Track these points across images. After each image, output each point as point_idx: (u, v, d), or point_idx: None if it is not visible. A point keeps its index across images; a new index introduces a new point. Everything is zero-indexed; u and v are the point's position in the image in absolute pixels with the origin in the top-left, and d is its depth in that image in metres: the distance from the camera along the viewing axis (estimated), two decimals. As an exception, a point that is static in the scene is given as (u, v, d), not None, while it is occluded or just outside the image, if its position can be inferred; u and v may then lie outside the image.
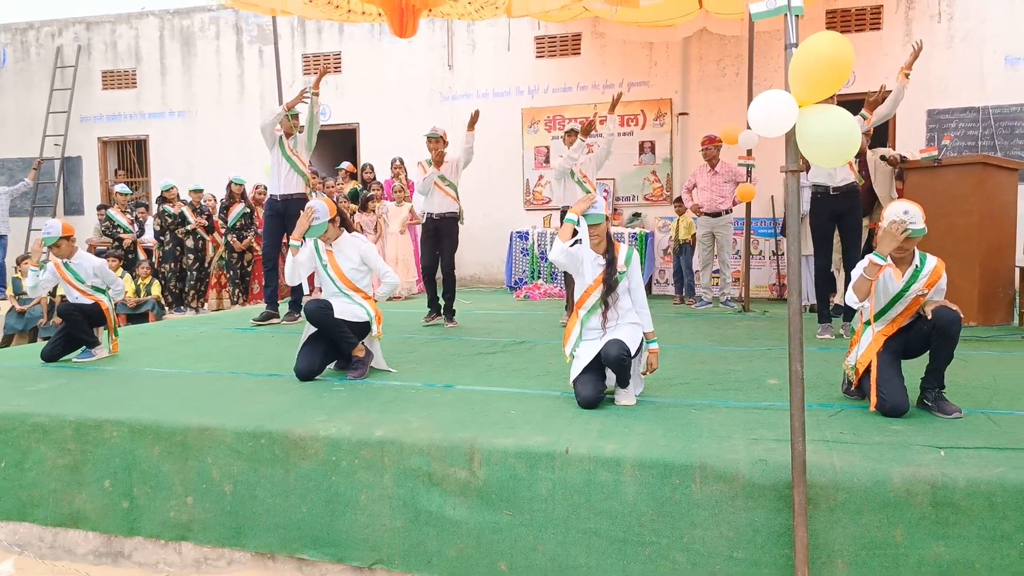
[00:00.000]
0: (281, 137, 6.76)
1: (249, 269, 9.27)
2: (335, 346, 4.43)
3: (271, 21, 11.00)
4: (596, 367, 3.79)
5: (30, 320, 8.80)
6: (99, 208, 10.48)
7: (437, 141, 6.64)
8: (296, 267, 4.55)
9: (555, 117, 10.38)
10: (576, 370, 3.80)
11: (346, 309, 4.38)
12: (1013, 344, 5.44)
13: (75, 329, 4.97)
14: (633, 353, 3.74)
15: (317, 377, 4.38)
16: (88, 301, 5.09)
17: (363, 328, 4.46)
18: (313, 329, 4.38)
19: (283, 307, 7.22)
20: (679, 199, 8.82)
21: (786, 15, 2.76)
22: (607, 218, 3.89)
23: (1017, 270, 6.40)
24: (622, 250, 3.90)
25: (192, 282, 9.22)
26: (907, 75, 5.56)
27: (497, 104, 10.63)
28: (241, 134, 11.56)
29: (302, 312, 7.07)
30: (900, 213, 3.40)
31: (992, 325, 6.17)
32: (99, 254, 10.13)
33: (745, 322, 6.92)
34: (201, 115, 11.87)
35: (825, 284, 6.11)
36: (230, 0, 6.32)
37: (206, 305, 9.41)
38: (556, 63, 10.48)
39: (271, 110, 6.73)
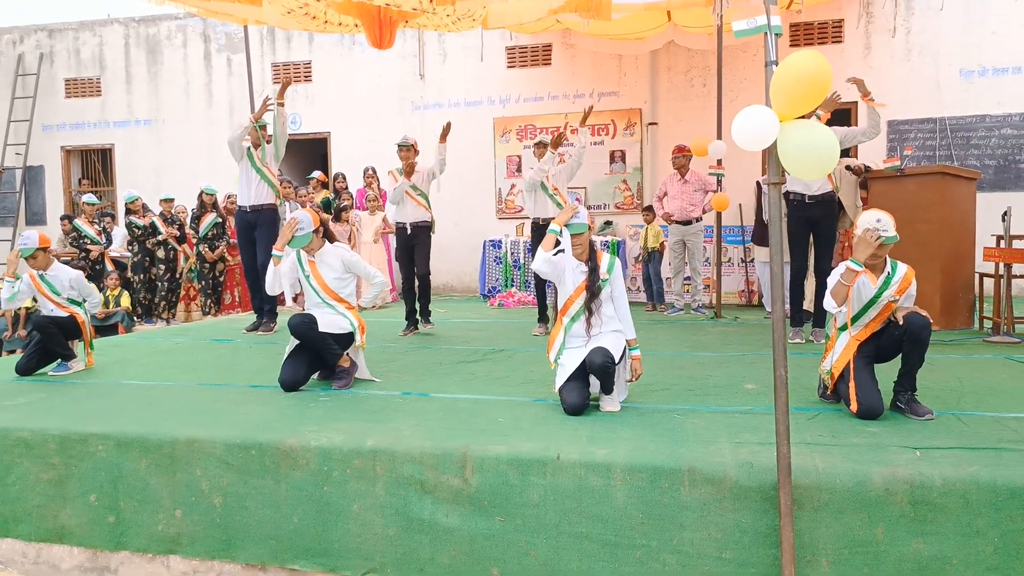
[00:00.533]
0: (249, 148, 6.73)
1: (221, 279, 9.18)
2: (319, 356, 4.44)
3: (240, 30, 10.98)
4: (581, 375, 3.86)
5: (-7, 333, 8.62)
6: (63, 218, 10.29)
7: (408, 150, 6.68)
8: (277, 277, 4.56)
9: (527, 126, 10.48)
10: (561, 378, 3.87)
11: (330, 321, 4.40)
12: (975, 347, 5.64)
13: (51, 342, 4.90)
14: (617, 360, 3.82)
15: (302, 388, 4.38)
16: (63, 314, 5.03)
17: (347, 339, 4.48)
18: (297, 341, 4.38)
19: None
20: (648, 207, 8.97)
21: (766, 33, 2.88)
22: (589, 227, 3.97)
23: (976, 275, 6.62)
24: (604, 258, 3.99)
25: (163, 293, 9.11)
26: (871, 99, 5.65)
27: (469, 113, 10.71)
28: (210, 143, 11.47)
29: (275, 321, 7.06)
30: (873, 221, 3.54)
31: (954, 329, 6.38)
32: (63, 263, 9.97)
33: (718, 328, 7.06)
34: (168, 124, 11.75)
35: (799, 290, 6.28)
36: (205, 10, 6.27)
37: (176, 316, 9.30)
38: (527, 73, 10.59)
39: (238, 123, 6.71)
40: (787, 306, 7.89)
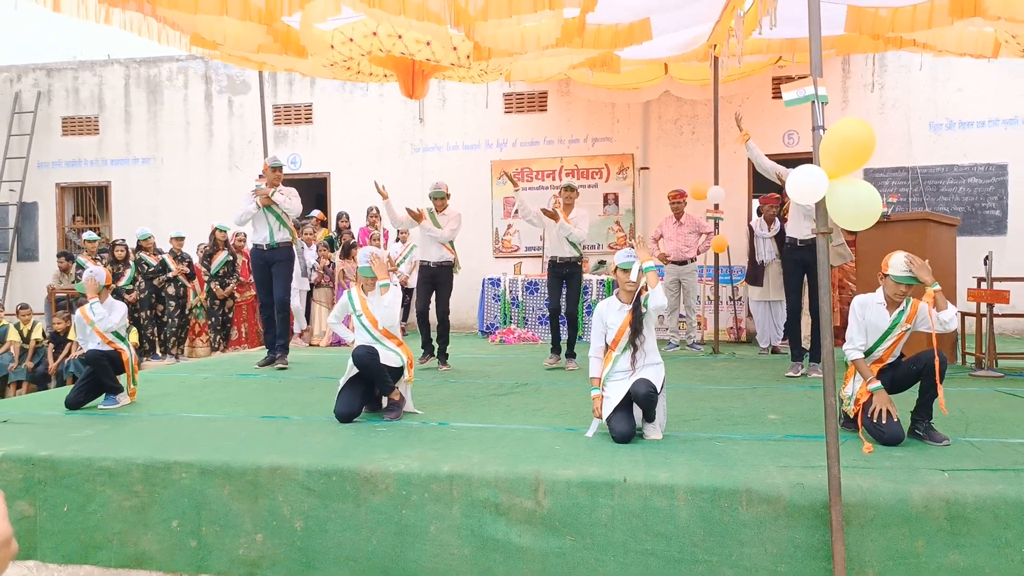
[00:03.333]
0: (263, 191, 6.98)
1: (230, 316, 9.33)
2: (371, 390, 4.68)
3: (241, 72, 11.29)
4: (625, 405, 4.16)
5: (-2, 368, 8.61)
6: (60, 255, 10.33)
7: (442, 200, 7.03)
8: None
9: (523, 169, 10.88)
10: (608, 408, 4.16)
11: (384, 355, 4.65)
12: (964, 381, 6.08)
13: (102, 375, 5.05)
14: (658, 389, 4.14)
15: (355, 419, 4.61)
16: (109, 349, 5.18)
17: (397, 373, 4.73)
18: (353, 373, 4.61)
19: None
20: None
21: (814, 101, 3.28)
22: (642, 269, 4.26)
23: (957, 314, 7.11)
24: (646, 294, 4.27)
25: (173, 329, 9.21)
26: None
27: (467, 156, 11.11)
28: (209, 183, 11.68)
29: (277, 354, 7.24)
30: (907, 263, 3.97)
31: (940, 365, 6.82)
32: (59, 300, 10.01)
33: (719, 363, 7.43)
34: (167, 163, 11.90)
35: (796, 325, 6.69)
36: (235, 58, 6.55)
37: (186, 352, 9.39)
38: (524, 118, 11.03)
39: (245, 210, 7.02)
40: (775, 344, 8.38)
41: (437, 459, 3.70)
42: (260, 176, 7.18)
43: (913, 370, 4.09)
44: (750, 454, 3.78)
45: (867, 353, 4.18)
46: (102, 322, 5.07)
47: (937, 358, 3.88)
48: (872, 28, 5.77)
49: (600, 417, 4.20)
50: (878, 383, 4.03)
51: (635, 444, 4.00)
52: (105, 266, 9.61)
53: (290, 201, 7.01)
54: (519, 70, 6.91)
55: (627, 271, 4.21)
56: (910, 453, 3.77)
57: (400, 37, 5.30)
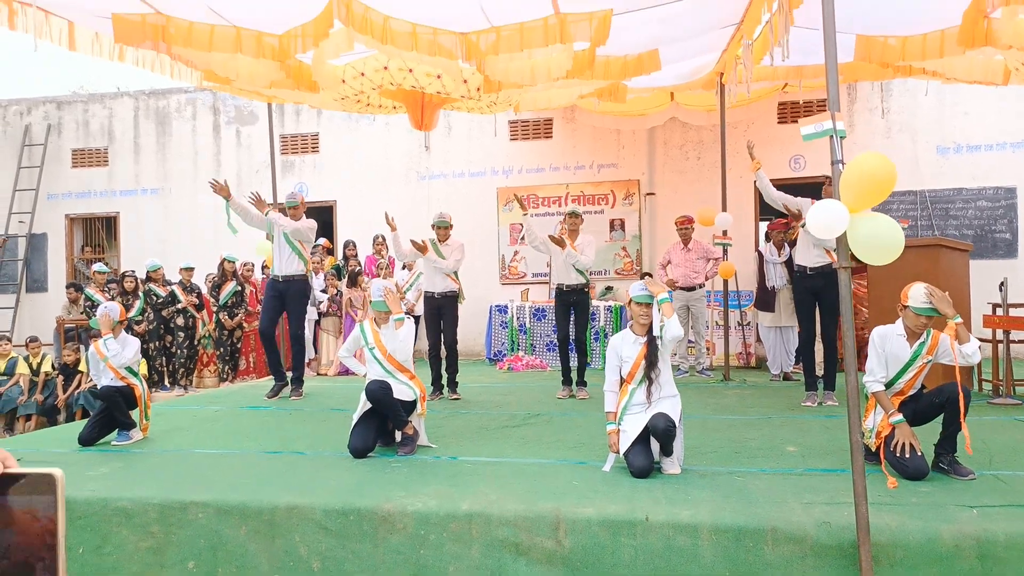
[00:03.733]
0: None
1: (238, 346, 9.31)
2: (384, 424, 4.64)
3: (248, 103, 11.37)
4: (642, 439, 4.11)
5: (7, 401, 8.55)
6: (70, 286, 10.34)
7: (446, 229, 7.02)
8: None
9: (529, 196, 10.88)
10: (625, 443, 4.12)
11: (398, 389, 4.62)
12: (982, 409, 6.00)
13: (116, 411, 5.03)
14: (676, 423, 4.09)
15: (369, 454, 4.56)
16: (122, 384, 5.16)
17: (410, 406, 4.70)
18: (366, 407, 4.58)
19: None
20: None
21: (832, 136, 3.27)
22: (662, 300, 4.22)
23: (972, 340, 7.06)
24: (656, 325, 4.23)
25: (182, 360, 9.20)
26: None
27: (473, 183, 11.14)
28: (216, 212, 11.63)
29: (289, 383, 7.21)
30: (926, 294, 3.94)
31: (956, 391, 6.76)
32: (68, 331, 10.01)
33: (732, 391, 7.36)
34: (176, 193, 11.96)
35: (810, 354, 6.64)
36: (250, 92, 6.59)
37: (194, 382, 9.37)
38: (529, 145, 11.08)
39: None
40: (787, 370, 8.32)
41: (455, 497, 3.66)
42: (269, 204, 7.18)
43: (936, 403, 4.05)
44: (772, 489, 3.72)
45: (888, 385, 4.14)
46: (116, 358, 5.05)
47: (961, 393, 3.81)
48: (882, 57, 5.79)
49: (617, 452, 4.16)
50: (900, 416, 3.98)
51: (654, 479, 3.95)
52: (114, 298, 9.63)
53: (291, 221, 6.97)
54: (528, 101, 6.96)
55: (641, 304, 4.19)
56: (936, 488, 3.71)
57: (411, 71, 5.34)
